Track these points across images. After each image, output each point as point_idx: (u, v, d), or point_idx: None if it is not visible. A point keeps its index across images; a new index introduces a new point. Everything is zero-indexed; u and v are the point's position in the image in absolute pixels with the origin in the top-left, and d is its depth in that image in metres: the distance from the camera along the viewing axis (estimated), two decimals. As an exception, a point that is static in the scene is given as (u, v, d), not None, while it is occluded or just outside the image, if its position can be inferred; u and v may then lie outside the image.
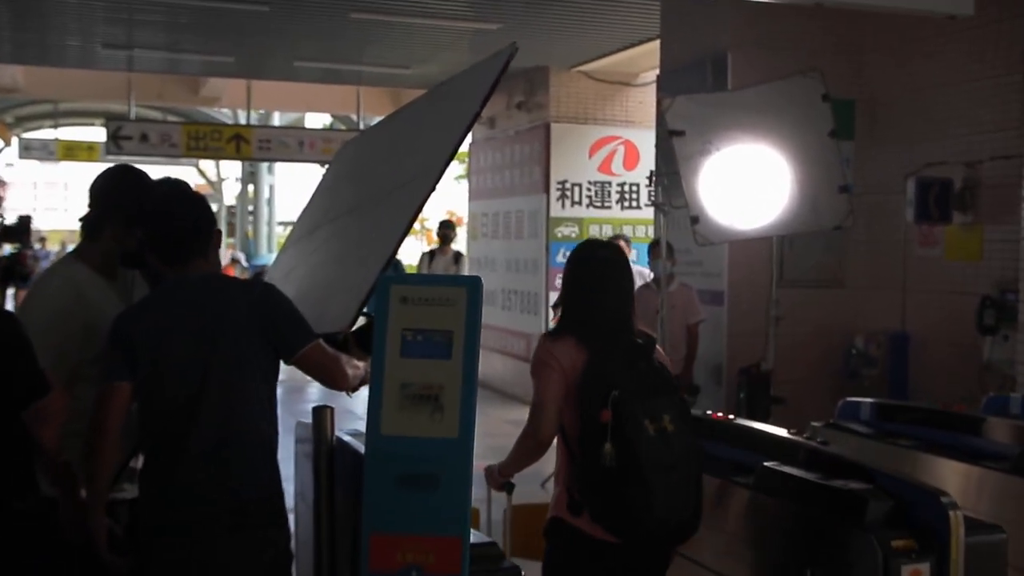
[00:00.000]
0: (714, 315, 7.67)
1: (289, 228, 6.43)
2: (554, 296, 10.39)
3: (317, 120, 26.54)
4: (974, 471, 4.06)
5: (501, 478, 3.38)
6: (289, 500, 3.06)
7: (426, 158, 3.25)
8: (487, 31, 10.08)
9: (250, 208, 30.44)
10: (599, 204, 11.79)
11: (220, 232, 3.18)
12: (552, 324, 7.65)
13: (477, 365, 2.55)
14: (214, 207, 36.59)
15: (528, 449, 3.22)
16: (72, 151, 22.17)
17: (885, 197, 7.53)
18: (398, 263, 11.13)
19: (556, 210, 11.66)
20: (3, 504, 2.79)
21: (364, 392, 2.84)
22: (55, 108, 24.04)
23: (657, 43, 9.16)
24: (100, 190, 3.40)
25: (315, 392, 10.24)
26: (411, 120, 4.20)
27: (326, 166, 8.02)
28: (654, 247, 7.61)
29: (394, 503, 2.51)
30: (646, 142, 10.79)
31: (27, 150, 23.12)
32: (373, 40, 11.41)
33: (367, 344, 2.91)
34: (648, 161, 10.70)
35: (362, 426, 2.71)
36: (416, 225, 3.15)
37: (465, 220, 15.39)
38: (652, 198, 10.09)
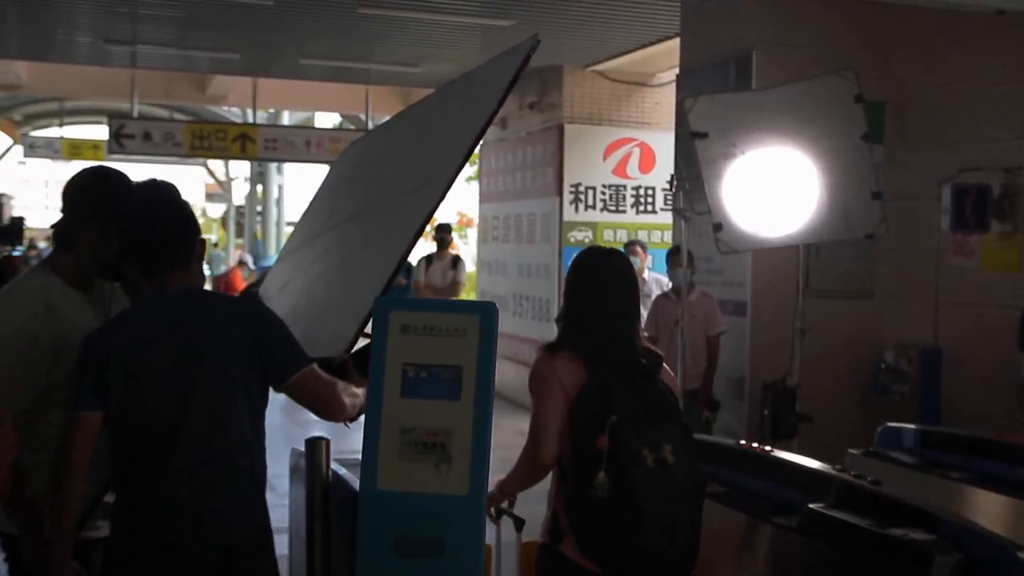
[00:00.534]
0: (736, 326, 7.37)
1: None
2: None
3: (327, 120, 26.35)
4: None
5: (502, 496, 3.16)
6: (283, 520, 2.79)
7: (438, 161, 2.99)
8: (499, 28, 9.85)
9: (259, 208, 30.26)
10: (613, 208, 11.53)
11: (204, 243, 2.91)
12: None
13: (491, 408, 2.21)
14: (223, 207, 36.56)
15: (529, 469, 3.02)
16: (77, 149, 22.20)
17: (916, 203, 7.22)
18: (408, 265, 10.81)
19: (569, 214, 11.40)
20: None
21: (363, 421, 2.53)
22: (61, 106, 23.95)
23: (675, 41, 8.88)
24: (75, 192, 3.08)
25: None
26: (420, 120, 3.94)
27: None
28: (673, 254, 7.33)
29: (391, 571, 2.16)
30: (662, 144, 10.56)
31: (32, 148, 23.09)
32: (381, 37, 11.21)
33: (367, 368, 2.60)
34: (664, 164, 10.40)
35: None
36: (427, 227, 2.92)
37: (476, 223, 15.09)
38: (670, 202, 9.76)
